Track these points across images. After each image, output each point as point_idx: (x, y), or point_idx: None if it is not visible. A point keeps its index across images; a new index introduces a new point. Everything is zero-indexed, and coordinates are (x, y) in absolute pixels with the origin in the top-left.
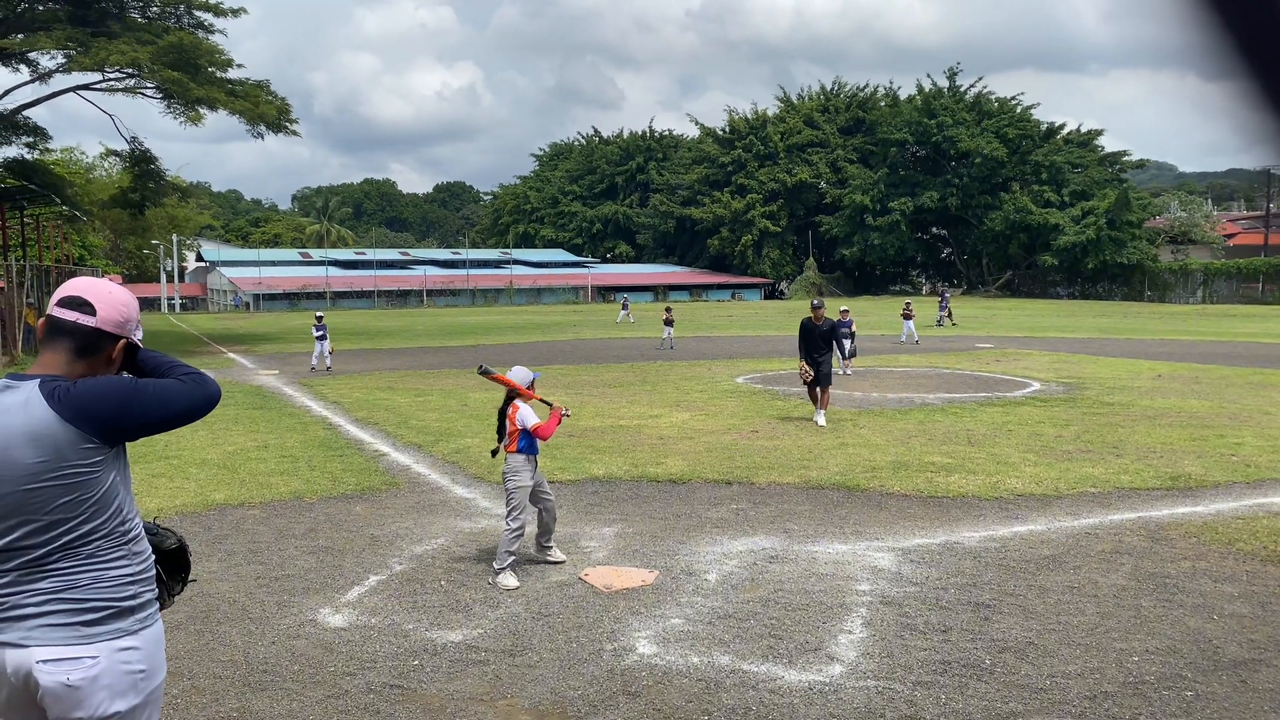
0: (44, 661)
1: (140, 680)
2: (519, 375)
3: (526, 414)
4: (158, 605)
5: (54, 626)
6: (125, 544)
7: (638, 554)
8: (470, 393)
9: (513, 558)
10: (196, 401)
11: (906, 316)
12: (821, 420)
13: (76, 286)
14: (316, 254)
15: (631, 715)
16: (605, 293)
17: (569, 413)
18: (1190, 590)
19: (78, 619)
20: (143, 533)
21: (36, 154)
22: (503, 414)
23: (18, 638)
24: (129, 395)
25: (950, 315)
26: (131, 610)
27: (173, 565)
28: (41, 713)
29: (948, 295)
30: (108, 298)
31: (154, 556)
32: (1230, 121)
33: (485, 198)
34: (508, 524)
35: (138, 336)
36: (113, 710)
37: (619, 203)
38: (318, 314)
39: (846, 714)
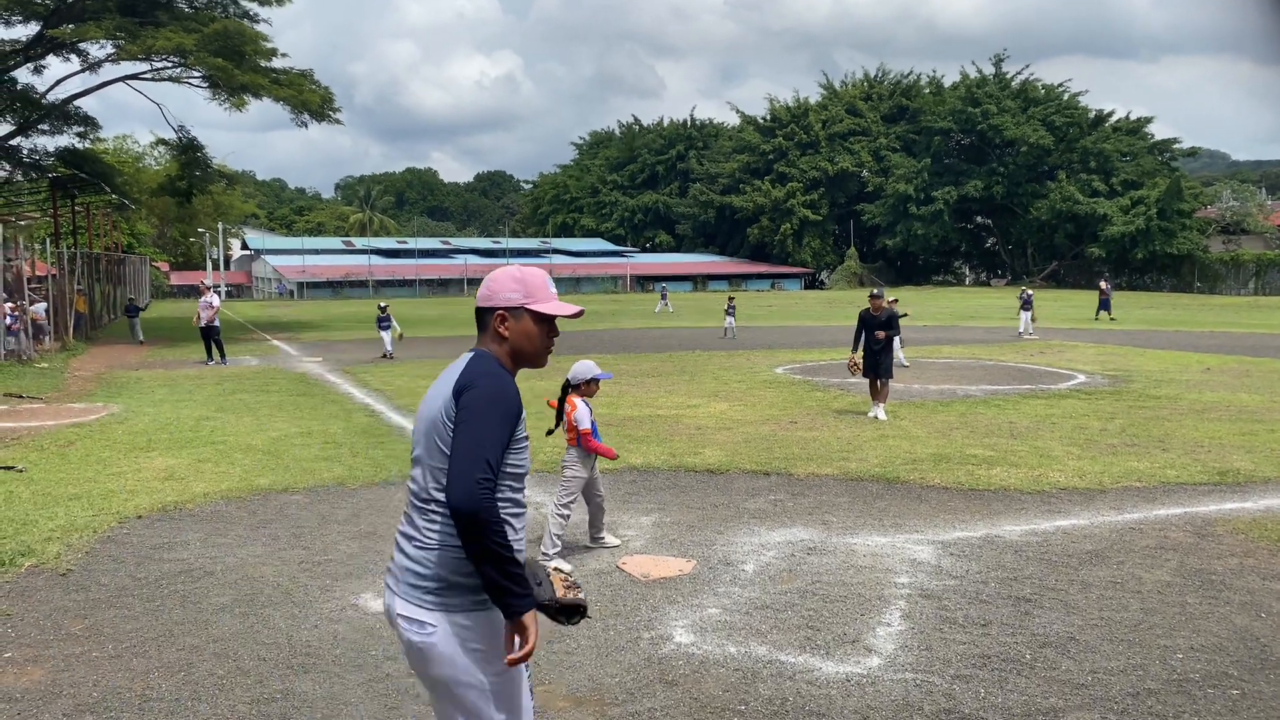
0: (400, 616)
1: (478, 659)
2: (582, 369)
3: (581, 415)
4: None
5: (408, 586)
6: None
7: (675, 543)
8: None
9: (561, 544)
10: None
11: (1025, 306)
12: (881, 414)
13: None
14: (359, 242)
15: (668, 704)
16: (644, 282)
17: (616, 456)
18: (1237, 587)
19: (420, 584)
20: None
21: (87, 143)
22: (561, 401)
23: (393, 582)
24: (472, 407)
25: (1108, 309)
26: (464, 589)
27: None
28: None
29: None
30: (483, 284)
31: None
32: None
33: (525, 187)
34: (557, 508)
35: (507, 301)
36: (446, 676)
37: (659, 192)
38: (381, 304)
39: (884, 706)
